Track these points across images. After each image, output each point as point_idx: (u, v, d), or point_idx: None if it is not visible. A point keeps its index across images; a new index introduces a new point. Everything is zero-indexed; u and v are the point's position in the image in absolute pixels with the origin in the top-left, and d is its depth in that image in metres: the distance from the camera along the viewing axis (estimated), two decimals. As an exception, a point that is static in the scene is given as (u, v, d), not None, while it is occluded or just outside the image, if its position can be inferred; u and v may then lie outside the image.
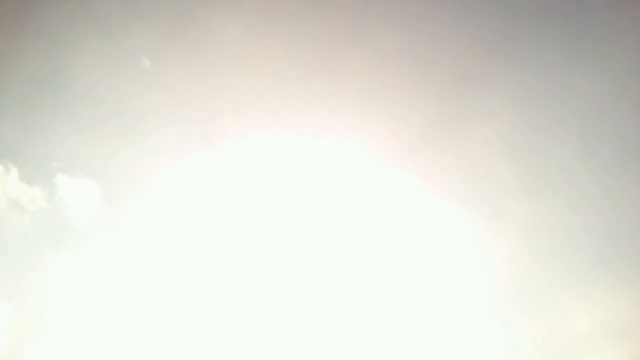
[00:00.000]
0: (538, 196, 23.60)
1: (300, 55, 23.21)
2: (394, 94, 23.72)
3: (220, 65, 22.96)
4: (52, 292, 21.95)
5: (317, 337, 22.32)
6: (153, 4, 22.22)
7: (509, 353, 21.99)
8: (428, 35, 23.85)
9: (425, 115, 23.84)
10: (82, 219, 22.60)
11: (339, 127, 23.54)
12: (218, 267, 22.81)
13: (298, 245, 23.25)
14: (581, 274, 22.38)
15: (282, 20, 22.69)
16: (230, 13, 22.29)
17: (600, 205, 22.99)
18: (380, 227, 23.66)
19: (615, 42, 23.40)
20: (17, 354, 21.20)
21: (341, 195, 23.84)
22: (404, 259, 23.30)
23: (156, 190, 22.93)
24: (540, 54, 24.10)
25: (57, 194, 22.55)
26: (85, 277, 22.27)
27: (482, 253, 23.07)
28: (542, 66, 24.07)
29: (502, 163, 23.83)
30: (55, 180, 22.53)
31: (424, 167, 23.54)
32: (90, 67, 22.08)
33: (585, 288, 22.18)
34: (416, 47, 23.86)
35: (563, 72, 23.99)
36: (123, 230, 22.74)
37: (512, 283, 22.64)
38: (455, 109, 24.09)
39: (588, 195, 23.23)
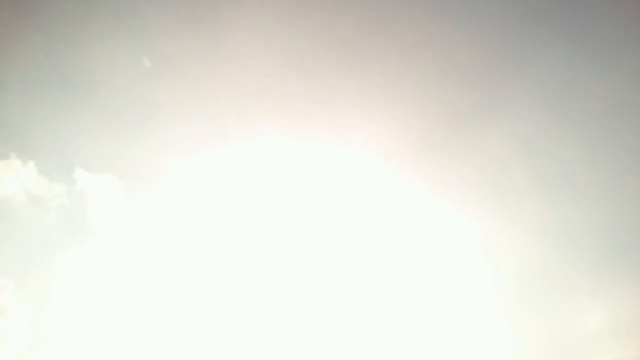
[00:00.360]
0: (546, 195, 23.44)
1: (302, 56, 23.47)
2: (398, 96, 23.74)
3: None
4: (72, 290, 22.53)
5: (327, 337, 22.36)
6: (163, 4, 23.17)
7: (518, 351, 21.72)
8: (434, 37, 23.88)
9: (431, 117, 23.84)
10: (101, 214, 23.22)
11: (342, 128, 23.68)
12: (228, 265, 23.15)
13: (302, 246, 23.35)
14: (590, 273, 22.15)
15: (285, 22, 22.96)
16: (233, 14, 22.98)
17: (608, 203, 22.74)
18: (388, 228, 23.68)
19: (622, 44, 23.21)
20: (38, 351, 21.79)
21: (348, 197, 23.96)
22: (412, 260, 23.22)
23: (175, 186, 23.38)
24: (548, 55, 24.03)
25: (75, 190, 23.30)
26: (104, 273, 22.71)
27: (491, 252, 22.94)
28: (549, 67, 23.98)
29: (511, 163, 23.74)
30: (74, 175, 23.08)
31: (429, 168, 23.63)
32: (105, 65, 22.74)
33: (593, 286, 21.95)
34: (422, 49, 23.89)
35: (571, 74, 23.91)
36: (142, 225, 23.27)
37: (520, 282, 22.45)
38: (460, 111, 24.14)
39: (597, 194, 22.95)
